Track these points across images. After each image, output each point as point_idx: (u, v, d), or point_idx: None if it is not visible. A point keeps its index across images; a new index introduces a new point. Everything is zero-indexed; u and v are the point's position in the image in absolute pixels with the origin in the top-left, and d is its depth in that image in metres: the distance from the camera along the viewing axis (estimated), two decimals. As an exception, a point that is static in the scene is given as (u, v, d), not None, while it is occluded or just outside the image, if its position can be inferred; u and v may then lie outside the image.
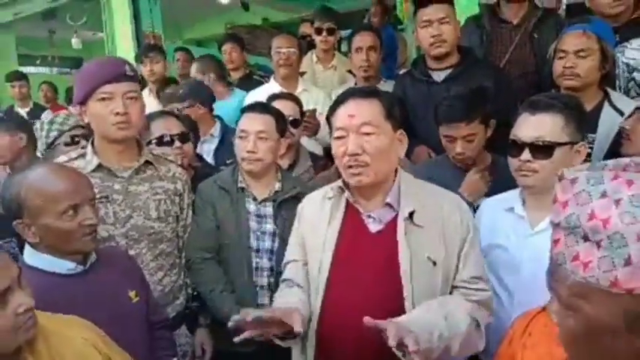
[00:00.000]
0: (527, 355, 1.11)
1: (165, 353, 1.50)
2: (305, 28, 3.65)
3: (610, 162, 0.64)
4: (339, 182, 1.38)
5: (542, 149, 1.40)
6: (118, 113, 1.52)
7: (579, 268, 0.59)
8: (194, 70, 3.16)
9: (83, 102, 1.56)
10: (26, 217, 1.23)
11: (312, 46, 3.39)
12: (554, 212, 0.63)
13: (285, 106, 2.16)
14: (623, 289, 0.56)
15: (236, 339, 1.17)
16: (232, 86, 3.35)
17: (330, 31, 3.13)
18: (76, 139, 2.04)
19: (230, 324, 1.19)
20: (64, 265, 1.27)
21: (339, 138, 1.30)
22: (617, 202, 0.57)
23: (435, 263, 1.27)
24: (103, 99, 1.52)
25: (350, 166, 1.28)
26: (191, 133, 2.21)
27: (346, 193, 1.35)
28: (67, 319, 1.10)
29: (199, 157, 2.39)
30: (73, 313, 1.13)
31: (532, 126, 1.42)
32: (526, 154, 1.42)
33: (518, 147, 1.44)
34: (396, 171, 1.36)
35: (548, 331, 1.13)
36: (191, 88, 2.64)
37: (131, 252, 1.59)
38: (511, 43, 2.39)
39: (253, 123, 1.78)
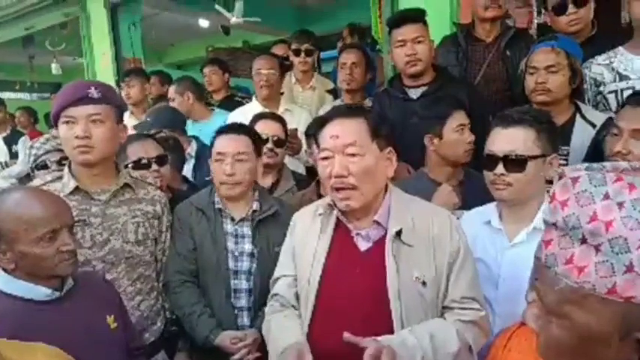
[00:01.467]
0: None
1: None
2: (277, 50, 3.68)
3: (608, 164, 0.60)
4: (328, 199, 1.37)
5: (515, 162, 1.43)
6: (77, 137, 1.50)
7: (572, 272, 0.55)
8: (172, 91, 3.15)
9: (55, 124, 1.55)
10: (2, 243, 1.19)
11: (285, 66, 3.43)
12: (550, 211, 0.59)
13: (269, 126, 2.17)
14: (621, 297, 0.52)
15: None
16: (212, 107, 3.36)
17: (309, 53, 3.18)
18: (46, 163, 2.00)
19: None
20: (40, 292, 1.23)
21: (324, 159, 1.29)
22: (620, 205, 0.54)
23: (424, 283, 1.24)
24: (67, 122, 1.51)
25: (337, 189, 1.26)
26: (175, 154, 2.22)
27: (335, 211, 1.34)
28: (31, 347, 1.05)
29: (185, 179, 2.37)
30: (48, 340, 1.07)
31: (504, 140, 1.45)
32: (500, 168, 1.45)
33: (492, 161, 1.47)
34: (386, 188, 1.35)
35: (527, 346, 1.12)
36: (155, 119, 2.60)
37: (108, 276, 1.56)
38: (484, 61, 2.46)
39: (230, 144, 1.74)
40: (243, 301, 1.73)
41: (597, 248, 0.53)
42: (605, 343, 0.54)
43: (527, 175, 1.42)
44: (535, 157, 1.43)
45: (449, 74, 2.32)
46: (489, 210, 1.55)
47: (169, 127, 2.49)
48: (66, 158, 1.96)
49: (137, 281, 1.64)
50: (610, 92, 2.09)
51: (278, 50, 3.67)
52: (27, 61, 7.18)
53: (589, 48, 2.14)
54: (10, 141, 4.47)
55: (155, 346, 1.69)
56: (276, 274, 1.45)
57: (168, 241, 1.77)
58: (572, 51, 1.95)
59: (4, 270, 1.23)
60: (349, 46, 2.94)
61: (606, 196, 0.55)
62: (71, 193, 1.54)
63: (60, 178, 1.59)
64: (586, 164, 0.61)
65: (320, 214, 1.37)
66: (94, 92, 1.52)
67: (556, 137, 1.52)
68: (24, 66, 7.54)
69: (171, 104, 3.06)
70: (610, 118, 1.88)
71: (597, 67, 2.12)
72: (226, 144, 1.75)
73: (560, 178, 0.61)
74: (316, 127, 1.37)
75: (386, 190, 1.35)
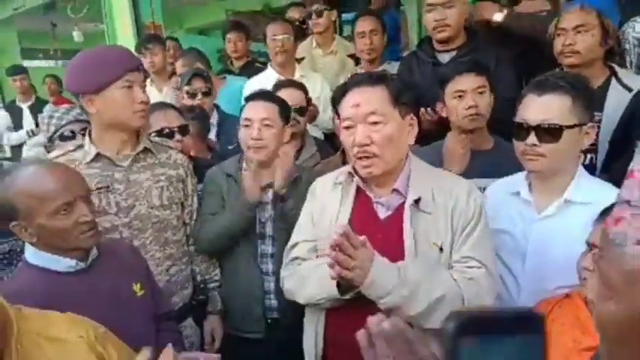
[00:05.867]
0: (551, 341, 1.08)
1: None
2: (293, 13, 3.58)
3: None
4: (349, 167, 1.38)
5: (550, 132, 1.35)
6: (142, 102, 1.53)
7: None
8: (180, 65, 3.09)
9: (97, 90, 1.50)
10: (21, 219, 1.21)
11: (301, 30, 3.35)
12: (627, 187, 0.55)
13: (291, 94, 2.18)
14: None
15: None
16: (228, 74, 3.33)
17: (319, 13, 3.08)
18: (74, 133, 2.01)
19: None
20: (65, 263, 1.26)
21: (347, 128, 1.29)
22: None
23: (441, 249, 1.26)
24: (127, 87, 1.51)
25: (360, 158, 1.27)
26: (201, 123, 2.26)
27: (356, 179, 1.35)
28: (60, 318, 1.08)
29: (210, 148, 2.39)
30: (75, 311, 1.11)
31: (538, 108, 1.36)
32: (532, 138, 1.36)
33: (524, 130, 1.38)
34: (407, 156, 1.34)
35: (573, 318, 1.11)
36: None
37: (136, 242, 1.58)
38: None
39: (257, 111, 1.77)
40: (269, 266, 1.77)
41: None
42: None
43: (561, 146, 1.34)
44: (571, 127, 1.34)
45: (481, 39, 2.23)
46: (518, 180, 1.50)
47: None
48: (87, 128, 1.99)
49: (166, 246, 1.66)
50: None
51: (293, 13, 3.58)
52: (49, 29, 7.21)
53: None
54: (36, 109, 4.54)
55: (183, 312, 1.73)
56: (294, 239, 1.45)
57: (195, 204, 1.79)
58: (605, 10, 1.84)
59: (30, 243, 1.26)
60: (365, 13, 2.84)
61: None
62: (93, 160, 1.56)
63: (81, 146, 1.60)
64: None
65: (340, 183, 1.38)
66: (140, 60, 1.60)
67: (592, 104, 1.43)
68: (47, 34, 7.58)
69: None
70: (648, 83, 1.79)
71: None
72: (253, 110, 1.78)
73: None
74: (337, 96, 1.35)
75: (406, 159, 1.34)
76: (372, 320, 0.73)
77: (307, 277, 1.34)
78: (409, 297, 1.19)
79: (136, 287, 1.37)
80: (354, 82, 1.32)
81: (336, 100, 1.36)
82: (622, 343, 0.55)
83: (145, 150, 1.64)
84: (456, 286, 1.23)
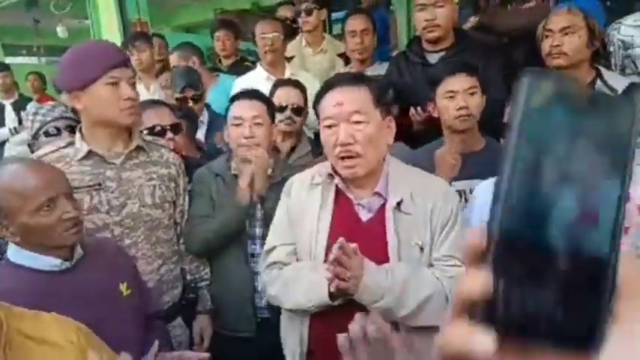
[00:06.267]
0: None
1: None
2: (283, 11, 3.57)
3: None
4: (328, 168, 1.36)
5: None
6: (128, 98, 1.49)
7: None
8: (175, 57, 3.06)
9: (82, 87, 1.49)
10: (2, 218, 1.19)
11: (291, 29, 3.34)
12: None
13: (288, 93, 2.17)
14: None
15: None
16: (220, 72, 3.30)
17: (309, 12, 3.07)
18: (59, 130, 1.97)
19: None
20: (49, 262, 1.24)
21: (328, 127, 1.28)
22: None
23: (422, 249, 1.28)
24: (112, 84, 1.48)
25: (342, 158, 1.26)
26: (189, 122, 2.22)
27: (336, 180, 1.33)
28: (50, 319, 1.06)
29: (199, 148, 2.36)
30: (60, 311, 1.09)
31: None
32: None
33: None
34: (384, 158, 1.35)
35: None
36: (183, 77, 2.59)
37: (127, 240, 1.57)
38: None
39: (247, 109, 1.75)
40: (259, 266, 1.75)
41: None
42: None
43: None
44: None
45: (470, 39, 2.25)
46: None
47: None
48: (72, 125, 1.97)
49: (157, 245, 1.65)
50: (641, 55, 2.02)
51: (283, 12, 3.56)
52: (32, 25, 7.07)
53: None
54: (19, 107, 4.46)
55: (172, 312, 1.72)
56: (271, 241, 1.43)
57: (186, 204, 1.77)
58: (591, 12, 1.87)
59: (15, 243, 1.23)
60: (355, 12, 2.81)
61: None
62: (85, 157, 1.54)
63: (72, 143, 1.57)
64: None
65: (318, 184, 1.36)
66: (127, 56, 1.56)
67: None
68: (29, 30, 7.44)
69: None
70: (633, 84, 1.82)
71: (627, 29, 2.03)
72: (243, 109, 1.76)
73: None
74: (317, 96, 1.35)
75: (384, 159, 1.35)
76: (354, 324, 0.73)
77: (293, 283, 1.32)
78: (399, 298, 1.21)
79: (123, 287, 1.35)
80: (336, 81, 1.32)
81: (316, 100, 1.35)
82: None
83: (138, 148, 1.62)
84: (440, 285, 1.25)
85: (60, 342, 1.03)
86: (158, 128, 1.91)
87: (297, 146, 2.24)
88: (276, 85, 2.23)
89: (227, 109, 1.82)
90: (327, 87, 1.32)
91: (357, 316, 0.75)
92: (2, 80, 4.76)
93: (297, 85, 2.27)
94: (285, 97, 2.13)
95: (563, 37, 1.84)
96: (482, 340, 0.28)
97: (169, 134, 1.92)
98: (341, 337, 0.72)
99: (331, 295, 1.24)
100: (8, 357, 0.93)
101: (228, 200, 1.74)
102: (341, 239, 1.17)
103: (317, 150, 2.28)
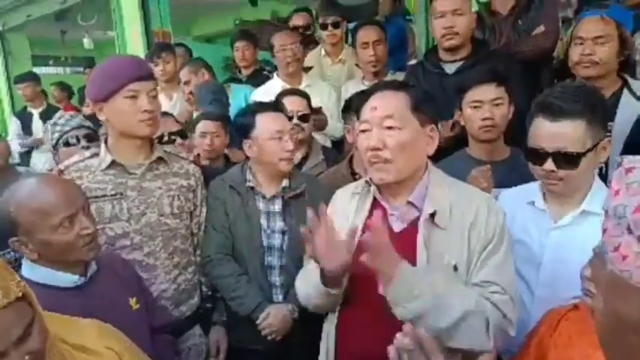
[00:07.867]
0: (558, 355, 1.06)
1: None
2: (297, 20, 3.58)
3: None
4: (368, 176, 1.34)
5: (567, 159, 1.28)
6: (146, 110, 1.54)
7: (618, 260, 0.55)
8: (186, 72, 3.06)
9: (105, 99, 1.54)
10: (21, 234, 1.18)
11: (305, 38, 3.35)
12: (608, 199, 0.59)
13: (294, 102, 2.20)
14: None
15: None
16: (236, 81, 3.33)
17: (336, 25, 3.08)
18: (79, 138, 2.02)
19: None
20: (65, 279, 1.24)
21: (363, 131, 1.26)
22: None
23: (456, 268, 1.19)
24: (131, 97, 1.53)
25: (372, 163, 1.24)
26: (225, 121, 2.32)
27: (373, 188, 1.31)
28: (88, 325, 1.06)
29: (226, 157, 2.37)
30: None
31: (552, 135, 1.28)
32: (550, 164, 1.29)
33: (539, 155, 1.31)
34: (426, 168, 1.30)
35: (581, 331, 1.08)
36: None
37: (145, 249, 1.61)
38: (501, 35, 2.42)
39: (284, 123, 1.79)
40: (276, 278, 1.76)
41: (639, 239, 0.53)
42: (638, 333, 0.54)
43: (580, 170, 1.29)
44: (588, 152, 1.27)
45: (487, 48, 2.23)
46: (532, 189, 1.46)
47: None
48: (90, 135, 2.00)
49: (174, 254, 1.67)
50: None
51: (298, 20, 3.57)
52: (59, 36, 7.28)
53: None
54: (47, 116, 4.57)
55: (190, 321, 1.73)
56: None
57: (203, 215, 1.79)
58: (622, 21, 1.83)
59: (32, 260, 1.23)
60: (367, 23, 2.78)
61: None
62: (108, 167, 1.59)
63: (96, 154, 1.62)
64: None
65: (358, 193, 1.35)
66: (150, 69, 1.61)
67: (607, 117, 1.38)
68: (56, 41, 7.67)
69: (185, 88, 3.03)
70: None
71: None
72: (281, 122, 1.78)
73: (619, 166, 0.60)
74: (359, 101, 1.33)
75: (425, 170, 1.30)
76: (400, 334, 0.72)
77: (300, 278, 1.37)
78: (436, 306, 1.09)
79: (132, 301, 1.36)
80: (377, 87, 1.30)
81: (357, 106, 1.34)
82: (607, 346, 0.59)
83: (159, 159, 1.67)
84: (483, 304, 1.14)
85: (99, 349, 1.02)
86: (165, 138, 1.98)
87: (310, 155, 2.26)
88: (281, 95, 2.26)
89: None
90: (368, 92, 1.31)
91: (406, 327, 0.73)
92: (30, 89, 4.86)
93: (299, 93, 2.31)
94: (290, 105, 2.16)
95: (594, 45, 1.79)
96: None
97: (178, 140, 1.98)
98: (391, 348, 0.72)
99: (325, 281, 1.21)
100: None
101: (242, 213, 1.74)
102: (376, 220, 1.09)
103: (332, 158, 2.29)
